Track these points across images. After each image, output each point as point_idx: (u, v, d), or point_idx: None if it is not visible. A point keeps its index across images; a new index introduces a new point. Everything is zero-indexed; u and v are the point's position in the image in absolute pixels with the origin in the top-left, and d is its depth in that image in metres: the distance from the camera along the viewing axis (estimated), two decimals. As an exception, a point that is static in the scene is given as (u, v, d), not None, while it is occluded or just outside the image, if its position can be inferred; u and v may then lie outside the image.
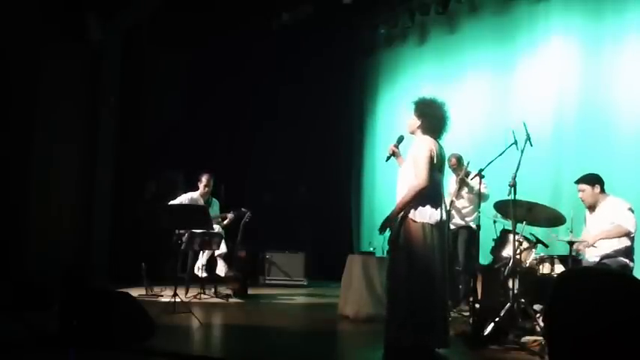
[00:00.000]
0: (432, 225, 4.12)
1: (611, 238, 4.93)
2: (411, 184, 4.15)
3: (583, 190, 5.18)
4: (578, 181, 5.25)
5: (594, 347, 2.86)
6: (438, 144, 4.31)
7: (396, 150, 4.50)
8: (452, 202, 6.73)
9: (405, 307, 4.08)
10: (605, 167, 5.96)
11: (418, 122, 4.33)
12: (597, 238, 4.92)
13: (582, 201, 5.21)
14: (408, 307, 4.06)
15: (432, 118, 4.29)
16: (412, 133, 4.40)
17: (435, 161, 4.18)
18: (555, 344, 3.15)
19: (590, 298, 2.99)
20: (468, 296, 6.23)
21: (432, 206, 4.14)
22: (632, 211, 5.03)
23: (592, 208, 5.21)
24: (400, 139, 4.53)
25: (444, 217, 4.24)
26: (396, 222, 4.19)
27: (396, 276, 4.19)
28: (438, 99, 4.36)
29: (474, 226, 6.41)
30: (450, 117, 4.34)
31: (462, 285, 6.71)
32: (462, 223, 6.80)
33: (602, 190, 5.16)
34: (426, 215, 4.13)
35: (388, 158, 4.56)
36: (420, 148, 4.22)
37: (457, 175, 6.81)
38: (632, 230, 4.93)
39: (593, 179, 5.17)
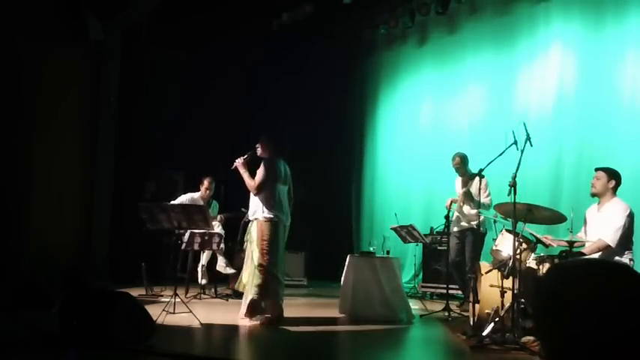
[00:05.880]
0: (268, 220, 5.45)
1: (593, 253, 4.92)
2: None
3: (598, 178, 5.13)
4: (598, 168, 5.22)
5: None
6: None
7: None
8: (459, 206, 6.92)
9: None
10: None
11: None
12: (587, 254, 4.90)
13: (592, 186, 5.15)
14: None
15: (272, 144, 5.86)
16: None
17: (274, 176, 5.59)
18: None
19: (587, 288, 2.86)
20: (468, 296, 6.23)
21: (268, 207, 5.49)
22: (631, 217, 4.96)
23: (598, 201, 5.16)
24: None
25: (281, 216, 5.52)
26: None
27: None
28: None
29: (480, 228, 6.71)
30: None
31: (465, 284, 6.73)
32: (467, 225, 6.93)
33: (615, 189, 5.14)
34: (264, 213, 5.48)
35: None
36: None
37: (461, 175, 6.98)
38: (612, 245, 4.84)
39: (612, 173, 5.14)
